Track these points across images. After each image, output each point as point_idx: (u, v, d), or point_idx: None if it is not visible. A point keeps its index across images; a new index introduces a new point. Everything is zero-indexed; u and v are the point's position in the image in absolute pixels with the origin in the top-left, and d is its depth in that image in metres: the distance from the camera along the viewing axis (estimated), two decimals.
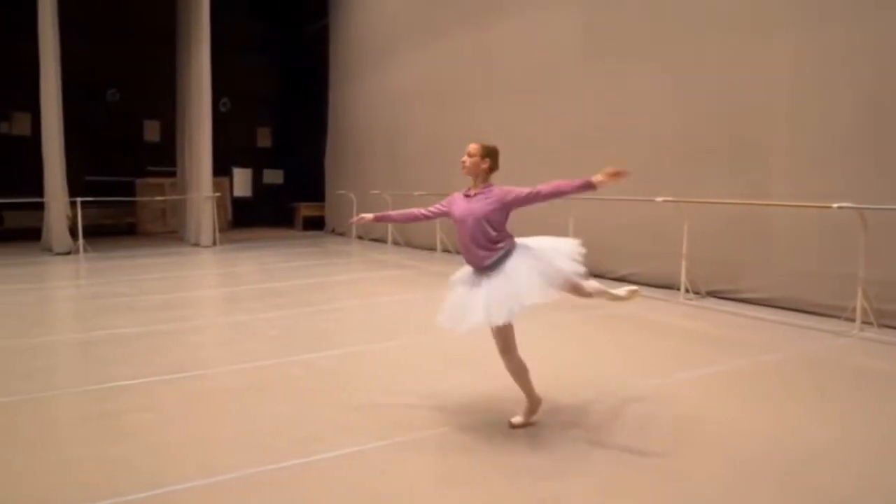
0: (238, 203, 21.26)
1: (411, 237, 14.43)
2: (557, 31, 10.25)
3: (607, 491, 3.13)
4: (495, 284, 3.68)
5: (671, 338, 6.33)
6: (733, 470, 3.33)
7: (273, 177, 22.51)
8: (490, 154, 3.86)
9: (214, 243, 15.07)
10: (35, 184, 13.63)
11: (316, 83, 19.49)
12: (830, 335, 6.20)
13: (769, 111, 7.45)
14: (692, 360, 5.47)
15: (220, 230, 15.89)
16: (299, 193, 20.80)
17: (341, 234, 17.86)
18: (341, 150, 18.06)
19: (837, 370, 5.27)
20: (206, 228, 15.12)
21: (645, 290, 8.38)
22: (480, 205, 3.78)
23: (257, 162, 22.19)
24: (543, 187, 3.72)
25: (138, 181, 18.62)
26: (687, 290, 7.82)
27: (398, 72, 14.93)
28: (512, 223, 3.86)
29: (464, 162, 3.87)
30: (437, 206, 4.10)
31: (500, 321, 3.61)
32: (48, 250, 13.42)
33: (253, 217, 21.07)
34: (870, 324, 6.30)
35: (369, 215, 4.32)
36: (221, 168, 17.81)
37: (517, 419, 3.91)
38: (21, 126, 17.66)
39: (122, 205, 17.78)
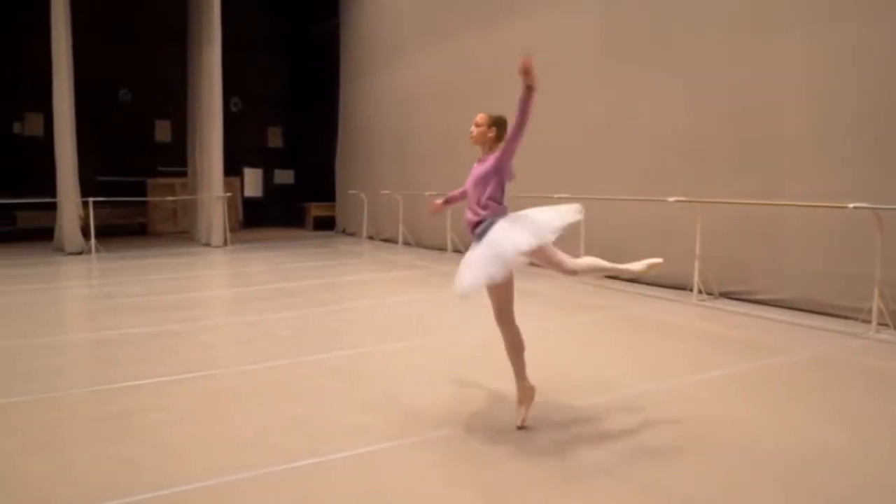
0: (249, 203, 21.30)
1: (422, 237, 14.40)
2: (569, 31, 10.20)
3: (615, 493, 3.09)
4: (474, 251, 3.75)
5: (684, 339, 6.28)
6: (739, 471, 3.29)
7: (284, 177, 22.56)
8: (497, 123, 3.92)
9: (225, 243, 15.10)
10: (47, 184, 13.69)
11: (327, 83, 19.50)
12: (846, 337, 6.13)
13: (782, 110, 7.37)
14: (705, 361, 5.42)
15: (231, 230, 15.92)
16: (310, 193, 20.82)
17: (352, 235, 17.86)
18: (352, 150, 18.06)
19: (852, 372, 5.20)
20: (216, 228, 15.15)
21: (657, 291, 8.38)
22: (482, 166, 3.89)
23: (268, 162, 22.24)
24: (513, 125, 3.72)
25: (149, 181, 18.68)
26: (700, 291, 7.76)
27: (409, 71, 14.91)
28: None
29: (471, 132, 3.94)
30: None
31: (461, 287, 3.61)
32: (60, 250, 13.48)
33: (263, 217, 21.11)
34: (886, 325, 6.21)
35: (439, 201, 4.45)
36: (232, 168, 17.84)
37: (519, 420, 3.88)
38: (34, 126, 17.78)
39: (133, 205, 17.86)
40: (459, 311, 6.77)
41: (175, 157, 18.46)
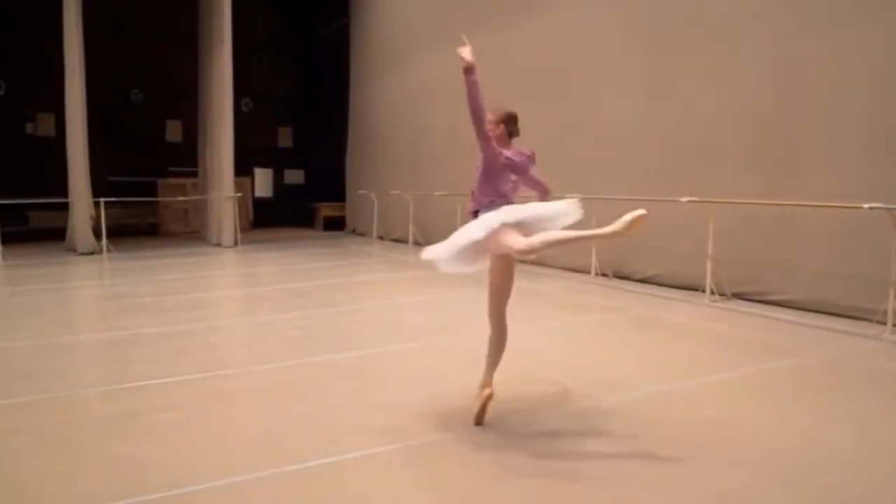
0: (259, 203, 21.35)
1: (432, 237, 14.34)
2: (581, 33, 10.14)
3: (623, 494, 3.06)
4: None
5: (695, 340, 6.23)
6: (746, 472, 3.24)
7: (294, 177, 22.60)
8: (503, 120, 3.96)
9: (236, 243, 15.13)
10: (59, 184, 13.77)
11: (337, 83, 19.51)
12: (860, 338, 6.06)
13: (795, 110, 7.29)
14: (717, 363, 5.37)
15: (242, 230, 15.95)
16: (320, 193, 20.84)
17: (362, 235, 17.87)
18: (362, 150, 18.06)
19: (864, 373, 5.14)
20: (227, 229, 15.18)
21: (669, 292, 8.33)
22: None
23: (278, 162, 22.29)
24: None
25: (160, 181, 18.75)
26: (712, 292, 7.69)
27: (419, 71, 14.88)
28: None
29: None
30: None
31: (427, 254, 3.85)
32: (72, 250, 13.54)
33: (274, 217, 21.15)
34: None
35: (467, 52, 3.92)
36: (243, 168, 17.88)
37: (476, 418, 3.85)
38: (46, 127, 17.90)
39: (144, 205, 17.95)
40: (469, 312, 6.74)
41: (186, 158, 18.51)
